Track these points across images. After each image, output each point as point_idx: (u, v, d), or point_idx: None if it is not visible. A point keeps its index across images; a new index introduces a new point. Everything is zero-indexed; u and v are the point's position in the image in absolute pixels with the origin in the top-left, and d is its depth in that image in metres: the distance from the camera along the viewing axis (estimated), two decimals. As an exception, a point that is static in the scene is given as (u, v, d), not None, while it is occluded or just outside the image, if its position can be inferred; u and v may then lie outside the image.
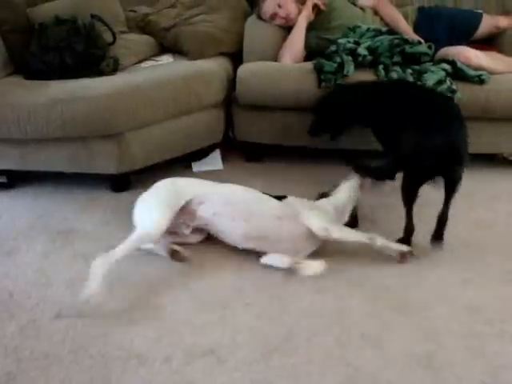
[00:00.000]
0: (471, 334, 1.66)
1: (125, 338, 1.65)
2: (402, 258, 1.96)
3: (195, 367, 1.53)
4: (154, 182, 2.13)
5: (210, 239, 2.12)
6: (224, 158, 2.93)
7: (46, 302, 1.82)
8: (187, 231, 2.06)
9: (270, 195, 2.07)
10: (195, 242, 2.12)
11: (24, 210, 2.45)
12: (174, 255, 1.97)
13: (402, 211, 2.01)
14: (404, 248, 1.97)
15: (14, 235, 2.23)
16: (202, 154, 2.86)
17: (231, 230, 2.00)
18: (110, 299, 1.77)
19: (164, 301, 1.82)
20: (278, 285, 1.89)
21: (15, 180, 2.69)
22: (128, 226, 2.10)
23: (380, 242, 1.94)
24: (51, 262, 2.05)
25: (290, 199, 2.07)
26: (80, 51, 2.49)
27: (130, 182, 2.60)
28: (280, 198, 2.07)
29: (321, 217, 1.97)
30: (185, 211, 2.00)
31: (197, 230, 2.09)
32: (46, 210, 2.44)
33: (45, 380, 1.50)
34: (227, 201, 2.01)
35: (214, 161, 2.89)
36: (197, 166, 2.84)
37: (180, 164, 2.78)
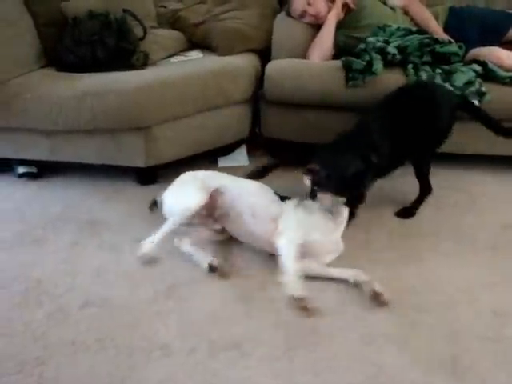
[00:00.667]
0: (497, 337, 1.64)
1: (150, 329, 1.67)
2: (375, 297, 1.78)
3: (219, 360, 1.55)
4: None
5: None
6: (250, 154, 2.94)
7: (73, 291, 1.85)
8: (213, 223, 2.10)
9: (279, 195, 2.06)
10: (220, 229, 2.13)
11: (52, 199, 2.50)
12: (213, 269, 1.94)
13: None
14: (376, 287, 1.79)
15: (42, 224, 2.28)
16: (228, 149, 2.88)
17: (238, 223, 2.04)
18: (137, 290, 1.80)
19: (190, 294, 1.84)
20: (303, 281, 1.89)
21: (44, 170, 2.75)
22: (153, 218, 2.14)
23: (337, 273, 1.90)
24: (78, 252, 2.08)
25: (288, 203, 2.01)
26: (111, 45, 2.52)
27: (156, 175, 2.63)
28: (284, 198, 2.04)
29: (289, 239, 1.87)
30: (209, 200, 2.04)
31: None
32: (74, 201, 2.48)
33: (71, 366, 1.53)
34: (240, 193, 2.05)
35: (240, 156, 2.90)
36: (222, 162, 2.86)
37: (206, 159, 2.80)
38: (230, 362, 1.54)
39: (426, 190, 2.29)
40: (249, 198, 2.03)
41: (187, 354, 1.57)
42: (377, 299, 1.76)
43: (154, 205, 2.15)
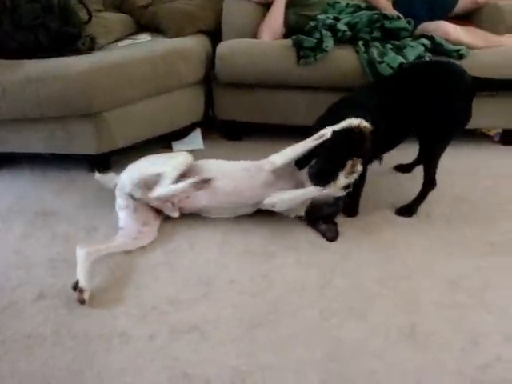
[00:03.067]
0: (452, 304, 1.68)
1: (108, 316, 1.64)
2: None
3: (180, 344, 1.53)
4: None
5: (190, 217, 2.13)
6: (205, 138, 2.91)
7: (27, 284, 1.79)
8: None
9: None
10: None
11: (1, 192, 2.41)
12: (75, 288, 1.72)
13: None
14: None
15: (-9, 218, 2.20)
16: (182, 133, 2.83)
17: (211, 190, 2.04)
18: (93, 279, 1.76)
19: (147, 279, 1.81)
20: (261, 261, 1.89)
21: (-8, 163, 2.64)
22: (107, 206, 2.10)
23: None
24: (31, 244, 2.01)
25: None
26: (55, 29, 2.41)
27: (109, 162, 2.57)
28: None
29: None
30: None
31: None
32: (25, 192, 2.40)
33: (28, 360, 1.49)
34: (207, 169, 2.10)
35: (195, 140, 2.87)
36: (177, 146, 2.82)
37: (160, 144, 2.75)
38: (191, 344, 1.53)
39: (429, 183, 2.12)
40: (213, 167, 2.12)
41: (147, 340, 1.54)
42: None
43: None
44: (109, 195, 2.14)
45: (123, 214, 2.03)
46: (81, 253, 1.79)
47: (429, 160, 2.10)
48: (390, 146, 2.14)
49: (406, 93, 2.01)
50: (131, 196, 2.04)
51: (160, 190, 1.96)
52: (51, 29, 2.41)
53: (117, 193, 2.09)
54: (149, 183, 2.00)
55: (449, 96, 1.97)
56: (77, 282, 1.70)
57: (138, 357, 1.49)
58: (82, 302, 1.67)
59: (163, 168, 2.01)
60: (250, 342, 1.54)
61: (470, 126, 2.75)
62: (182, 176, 2.02)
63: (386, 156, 2.09)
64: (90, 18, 2.62)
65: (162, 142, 2.77)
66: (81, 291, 1.68)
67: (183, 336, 1.56)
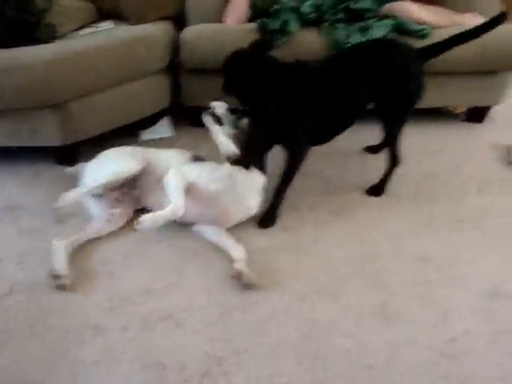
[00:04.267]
0: (421, 281, 1.72)
1: (80, 309, 1.62)
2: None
3: (153, 333, 1.53)
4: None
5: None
6: (175, 125, 2.88)
7: (-3, 279, 1.77)
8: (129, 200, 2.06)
9: (196, 157, 2.09)
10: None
11: (-35, 188, 2.36)
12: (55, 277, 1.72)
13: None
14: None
15: (-44, 214, 2.14)
16: (149, 122, 2.80)
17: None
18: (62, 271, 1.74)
19: (117, 269, 1.80)
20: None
21: (-47, 158, 2.57)
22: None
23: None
24: (-2, 239, 1.98)
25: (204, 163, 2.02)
26: (11, 17, 2.35)
27: (75, 154, 2.51)
28: (197, 159, 2.08)
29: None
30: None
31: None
32: (-11, 187, 2.35)
33: (2, 354, 1.47)
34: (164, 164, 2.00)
35: (163, 128, 2.84)
36: (146, 135, 2.79)
37: (128, 133, 2.72)
38: (165, 332, 1.53)
39: (394, 161, 2.13)
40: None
41: (120, 331, 1.54)
42: (239, 279, 1.70)
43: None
44: (76, 186, 2.10)
45: (91, 202, 2.01)
46: (58, 245, 1.78)
47: (389, 139, 2.10)
48: (340, 126, 2.10)
49: (355, 71, 1.97)
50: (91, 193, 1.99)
51: (71, 194, 1.85)
52: (7, 17, 2.34)
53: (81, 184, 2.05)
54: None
55: (398, 75, 1.95)
56: (55, 270, 1.71)
57: (112, 348, 1.48)
58: (63, 287, 1.68)
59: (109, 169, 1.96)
60: (225, 327, 1.54)
61: (437, 104, 2.83)
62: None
63: (356, 137, 2.10)
64: (49, 6, 2.55)
65: (130, 131, 2.73)
66: (59, 277, 1.69)
67: (156, 325, 1.55)
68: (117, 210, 2.00)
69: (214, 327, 1.54)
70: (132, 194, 2.05)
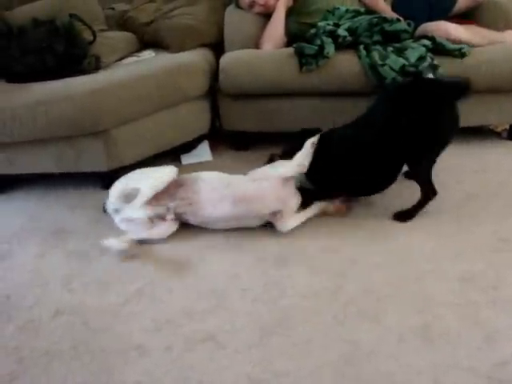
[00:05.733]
0: (465, 303, 1.68)
1: (124, 330, 1.66)
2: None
3: (196, 354, 1.55)
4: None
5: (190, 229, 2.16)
6: (213, 149, 2.93)
7: (44, 302, 1.82)
8: (169, 215, 2.11)
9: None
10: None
11: (15, 213, 2.46)
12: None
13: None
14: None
15: (6, 239, 2.23)
16: (190, 146, 2.86)
17: (215, 203, 2.06)
18: (108, 294, 1.78)
19: (160, 292, 1.83)
20: (272, 269, 1.90)
21: (4, 185, 2.69)
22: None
23: None
24: (46, 262, 2.05)
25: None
26: (61, 51, 2.47)
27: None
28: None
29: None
30: (165, 192, 2.08)
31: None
32: (38, 212, 2.44)
33: (47, 377, 1.51)
34: (204, 181, 2.12)
35: (203, 152, 2.89)
36: (186, 159, 2.84)
37: (169, 158, 2.78)
38: (207, 354, 1.54)
39: (427, 195, 2.10)
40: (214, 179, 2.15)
41: (163, 352, 1.56)
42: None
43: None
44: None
45: (124, 226, 2.12)
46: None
47: (419, 178, 2.11)
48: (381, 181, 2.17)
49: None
50: (116, 211, 2.12)
51: (125, 213, 2.05)
52: (57, 51, 2.47)
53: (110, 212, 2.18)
54: (130, 198, 2.07)
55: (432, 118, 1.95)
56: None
57: (155, 368, 1.50)
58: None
59: (142, 184, 2.06)
60: (266, 350, 1.54)
61: (478, 122, 2.80)
62: (168, 190, 2.08)
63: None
64: (94, 38, 2.67)
65: (171, 156, 2.79)
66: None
67: (198, 346, 1.57)
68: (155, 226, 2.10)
69: (255, 349, 1.55)
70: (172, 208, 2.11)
